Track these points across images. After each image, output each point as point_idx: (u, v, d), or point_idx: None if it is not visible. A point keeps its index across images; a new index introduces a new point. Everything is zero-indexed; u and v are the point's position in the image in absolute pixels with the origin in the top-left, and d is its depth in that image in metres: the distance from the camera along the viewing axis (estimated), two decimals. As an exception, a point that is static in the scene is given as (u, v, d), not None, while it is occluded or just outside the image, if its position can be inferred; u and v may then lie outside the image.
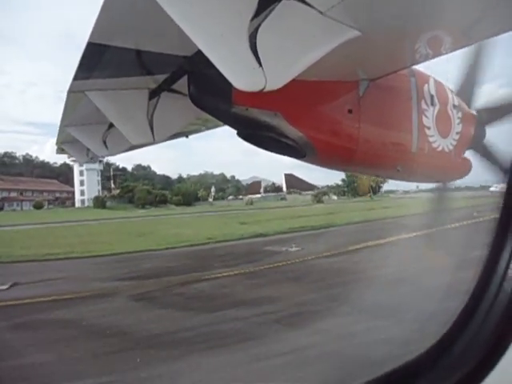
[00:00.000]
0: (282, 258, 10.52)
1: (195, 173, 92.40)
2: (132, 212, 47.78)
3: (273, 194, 72.67)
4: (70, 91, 4.95)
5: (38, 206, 60.58)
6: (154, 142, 5.81)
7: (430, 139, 5.24)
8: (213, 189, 75.14)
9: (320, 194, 57.72)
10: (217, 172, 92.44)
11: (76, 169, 67.40)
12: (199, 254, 12.94)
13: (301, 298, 6.74)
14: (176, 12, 2.42)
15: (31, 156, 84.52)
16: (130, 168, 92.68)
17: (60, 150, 10.11)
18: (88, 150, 8.45)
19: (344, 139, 4.48)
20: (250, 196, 67.05)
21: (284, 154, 4.80)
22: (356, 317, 5.49)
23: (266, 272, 9.09)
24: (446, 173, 6.10)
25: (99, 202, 59.56)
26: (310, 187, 67.68)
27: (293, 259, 10.29)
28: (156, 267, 10.74)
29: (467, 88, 6.28)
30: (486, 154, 6.16)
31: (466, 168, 6.13)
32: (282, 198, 67.63)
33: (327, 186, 69.24)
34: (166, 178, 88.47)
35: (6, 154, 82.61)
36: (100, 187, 71.98)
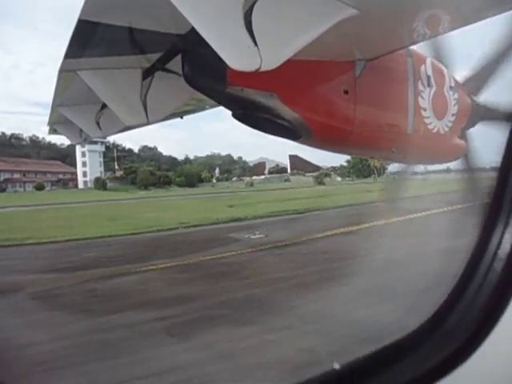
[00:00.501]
0: (234, 247, 9.91)
1: (202, 154, 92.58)
2: (131, 193, 47.57)
3: (277, 175, 72.28)
4: (61, 70, 4.85)
5: (39, 188, 60.48)
6: (147, 123, 5.74)
7: (426, 121, 5.24)
8: (217, 170, 75.07)
9: (321, 176, 57.19)
10: (224, 153, 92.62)
11: (78, 150, 67.01)
12: (157, 242, 12.27)
13: (215, 300, 5.98)
14: None
15: (37, 137, 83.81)
16: (136, 149, 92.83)
17: (52, 131, 9.98)
18: (81, 130, 8.35)
19: (340, 120, 4.46)
20: (250, 178, 66.67)
21: (279, 135, 4.78)
22: (265, 331, 4.57)
23: (204, 264, 8.53)
24: (441, 154, 6.13)
25: (99, 184, 59.73)
26: (315, 168, 67.25)
27: (245, 249, 9.68)
28: (97, 257, 10.00)
29: (482, 75, 6.23)
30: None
31: (461, 149, 6.16)
32: (286, 180, 67.66)
33: (332, 167, 68.95)
34: (172, 159, 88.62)
35: (12, 136, 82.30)
36: (102, 168, 72.07)
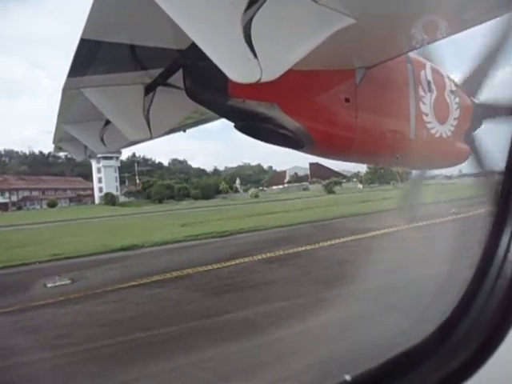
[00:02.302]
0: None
1: (233, 165, 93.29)
2: (134, 209, 47.22)
3: (297, 184, 71.32)
4: (64, 88, 4.92)
5: (52, 205, 61.42)
6: (151, 138, 5.79)
7: (428, 125, 5.23)
8: (237, 181, 74.89)
9: (331, 184, 55.78)
10: (254, 163, 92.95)
11: (94, 166, 68.52)
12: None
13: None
14: (169, 5, 2.40)
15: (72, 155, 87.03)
16: (166, 163, 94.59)
17: (58, 149, 10.08)
18: (85, 147, 8.43)
19: (342, 128, 4.46)
20: (266, 188, 65.66)
21: (282, 145, 4.78)
22: None
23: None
24: (445, 159, 6.10)
25: (108, 199, 60.18)
26: (337, 175, 66.46)
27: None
28: None
29: (478, 76, 6.23)
30: (472, 145, 6.15)
31: (465, 154, 6.13)
32: (305, 189, 66.71)
33: (355, 174, 67.62)
34: (201, 171, 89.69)
35: (49, 155, 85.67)
36: (118, 183, 73.15)
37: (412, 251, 8.48)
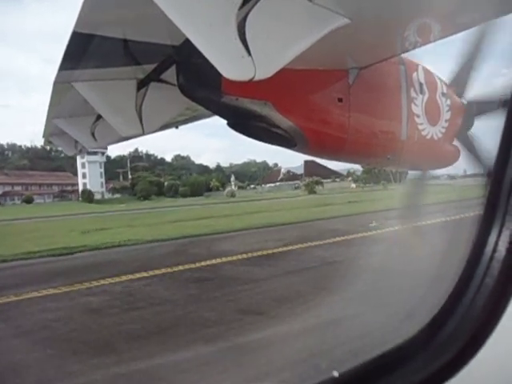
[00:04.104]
0: None
1: (239, 162, 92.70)
2: (109, 206, 46.36)
3: (290, 182, 70.59)
4: (55, 82, 4.86)
5: (28, 201, 60.35)
6: (143, 134, 5.75)
7: (420, 127, 5.28)
8: (232, 178, 74.19)
9: (311, 184, 54.54)
10: (259, 160, 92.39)
11: (78, 161, 67.09)
12: None
13: None
14: (163, 1, 2.38)
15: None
16: (169, 158, 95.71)
17: (47, 143, 9.96)
18: (76, 142, 8.34)
19: (334, 128, 4.49)
20: (229, 189, 63.61)
21: (274, 143, 4.79)
22: None
23: None
24: (436, 160, 6.16)
25: (85, 196, 59.01)
26: (332, 174, 65.80)
27: None
28: None
29: (462, 77, 6.27)
30: (469, 145, 6.19)
31: (455, 155, 6.19)
32: (297, 187, 66.21)
33: (349, 173, 66.66)
34: (203, 168, 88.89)
35: (52, 149, 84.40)
36: (103, 179, 71.61)
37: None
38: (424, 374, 1.07)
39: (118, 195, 66.60)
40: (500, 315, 0.99)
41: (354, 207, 24.57)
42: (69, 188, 72.84)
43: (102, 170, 72.45)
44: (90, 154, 60.37)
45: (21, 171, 72.10)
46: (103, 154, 68.21)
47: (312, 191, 50.98)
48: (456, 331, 1.06)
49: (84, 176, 69.20)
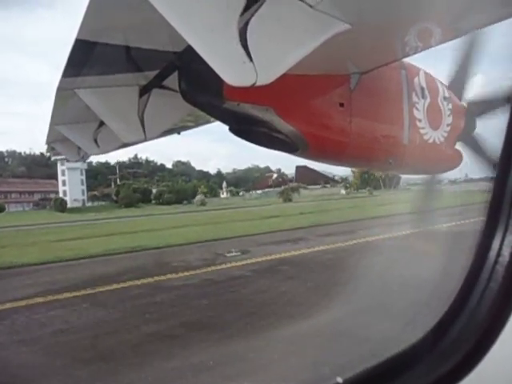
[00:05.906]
0: None
1: (242, 167, 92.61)
2: (81, 215, 44.15)
3: (278, 188, 67.35)
4: (58, 89, 4.89)
5: None
6: (145, 140, 5.77)
7: (422, 131, 5.28)
8: (224, 184, 73.54)
9: (287, 191, 51.76)
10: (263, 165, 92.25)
11: (59, 168, 65.26)
12: None
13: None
14: (165, 7, 2.40)
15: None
16: (169, 164, 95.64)
17: (50, 149, 10.00)
18: (79, 148, 8.37)
19: (336, 133, 4.49)
20: (198, 197, 58.32)
21: (276, 148, 4.80)
22: None
23: None
24: (438, 165, 6.15)
25: (57, 205, 55.69)
26: (323, 179, 64.92)
27: None
28: None
29: (460, 79, 6.27)
30: (475, 147, 6.18)
31: (457, 160, 6.18)
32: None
33: (341, 178, 65.80)
34: (203, 173, 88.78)
35: (50, 156, 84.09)
36: (84, 187, 69.86)
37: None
38: (429, 380, 1.06)
39: (102, 203, 64.79)
40: (505, 320, 0.98)
41: (288, 221, 21.13)
42: (52, 196, 70.90)
43: (83, 177, 69.86)
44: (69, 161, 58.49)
45: (2, 178, 70.76)
46: (84, 160, 66.59)
47: (287, 199, 48.03)
48: (461, 337, 1.05)
49: (64, 183, 66.63)
